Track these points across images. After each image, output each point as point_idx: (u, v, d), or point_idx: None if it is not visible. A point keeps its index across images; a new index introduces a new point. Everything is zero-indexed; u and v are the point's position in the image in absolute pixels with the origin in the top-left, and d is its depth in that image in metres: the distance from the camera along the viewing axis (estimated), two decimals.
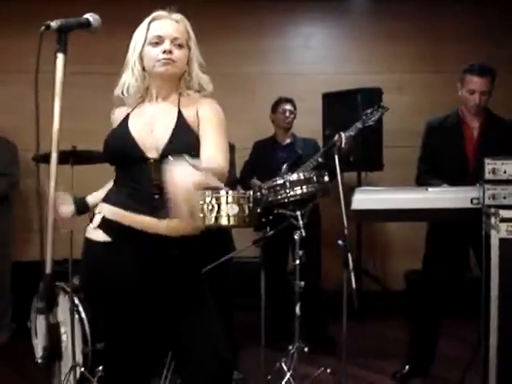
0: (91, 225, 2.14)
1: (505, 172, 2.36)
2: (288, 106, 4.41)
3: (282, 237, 3.28)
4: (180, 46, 2.11)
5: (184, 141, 2.06)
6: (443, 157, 3.40)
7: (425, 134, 3.56)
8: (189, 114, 2.11)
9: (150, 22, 2.11)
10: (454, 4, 5.32)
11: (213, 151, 2.08)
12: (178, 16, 2.16)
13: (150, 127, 2.09)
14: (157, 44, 2.08)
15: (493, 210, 2.31)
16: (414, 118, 4.56)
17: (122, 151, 2.09)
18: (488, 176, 2.38)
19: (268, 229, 3.37)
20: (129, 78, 2.12)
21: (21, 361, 3.83)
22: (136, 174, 2.09)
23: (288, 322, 4.26)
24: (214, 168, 1.98)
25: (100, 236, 2.09)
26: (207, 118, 2.12)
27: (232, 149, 4.07)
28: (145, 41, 2.09)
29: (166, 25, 2.11)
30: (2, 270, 4.42)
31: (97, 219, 2.13)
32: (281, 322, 4.34)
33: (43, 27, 1.54)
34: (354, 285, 2.88)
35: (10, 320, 4.43)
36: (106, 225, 2.09)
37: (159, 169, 1.93)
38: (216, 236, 3.61)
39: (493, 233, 2.30)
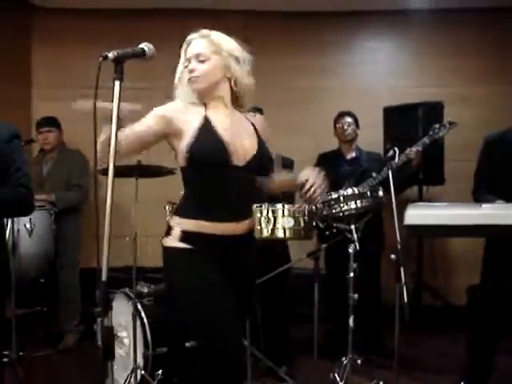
0: (170, 237, 2.27)
1: None
2: (347, 119, 4.45)
3: (343, 250, 3.35)
4: (203, 61, 2.24)
5: (266, 154, 2.32)
6: (502, 173, 3.36)
7: (483, 149, 3.52)
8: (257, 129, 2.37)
9: (184, 49, 2.30)
10: None
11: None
12: (204, 32, 2.28)
13: (239, 137, 2.26)
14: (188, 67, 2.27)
15: None
16: (478, 132, 4.47)
17: (214, 157, 2.21)
18: None
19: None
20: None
21: (88, 362, 4.01)
22: (221, 181, 2.22)
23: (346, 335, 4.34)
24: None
25: (182, 244, 2.24)
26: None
27: (292, 164, 4.20)
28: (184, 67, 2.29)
29: (191, 46, 2.28)
30: (72, 276, 4.65)
31: (176, 233, 2.26)
32: (339, 335, 4.37)
33: (101, 58, 1.69)
34: (405, 299, 2.92)
35: (79, 323, 4.65)
36: (187, 237, 2.24)
37: (245, 176, 2.22)
38: (274, 248, 3.76)
39: None
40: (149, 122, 2.20)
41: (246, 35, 5.34)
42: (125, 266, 3.77)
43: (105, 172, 3.71)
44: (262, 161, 2.30)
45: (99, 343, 3.85)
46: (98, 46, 5.09)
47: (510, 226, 2.61)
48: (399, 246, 2.97)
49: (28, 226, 4.11)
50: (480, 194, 3.38)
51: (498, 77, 5.22)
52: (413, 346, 4.56)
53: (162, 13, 5.26)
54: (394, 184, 4.16)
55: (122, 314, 3.63)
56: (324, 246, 3.25)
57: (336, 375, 3.33)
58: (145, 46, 1.85)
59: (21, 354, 4.01)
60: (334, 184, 3.71)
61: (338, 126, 4.49)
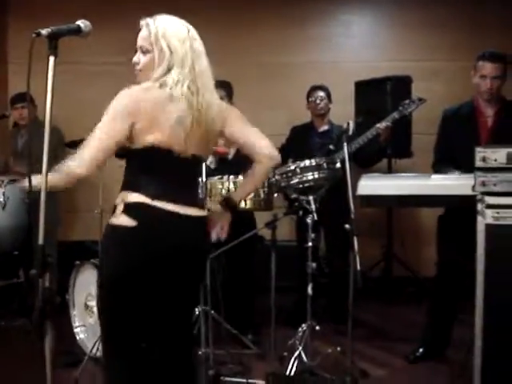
0: None
1: (495, 160, 2.42)
2: (320, 93, 4.51)
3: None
4: (145, 53, 2.20)
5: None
6: (458, 145, 3.45)
7: (440, 123, 3.63)
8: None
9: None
10: None
11: None
12: (146, 21, 2.22)
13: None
14: None
15: (479, 197, 2.40)
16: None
17: None
18: (479, 164, 2.45)
19: (300, 213, 3.54)
20: None
21: (62, 331, 4.10)
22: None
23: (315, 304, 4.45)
24: None
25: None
26: None
27: None
28: None
29: (139, 35, 2.22)
30: (48, 249, 4.73)
31: None
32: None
33: (34, 34, 1.75)
34: (358, 266, 3.02)
35: (56, 294, 4.74)
36: None
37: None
38: (239, 218, 3.84)
39: (479, 219, 2.39)
40: None
41: (218, 13, 5.47)
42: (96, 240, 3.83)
43: (71, 145, 3.79)
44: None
45: (72, 312, 4.00)
46: (72, 20, 5.18)
47: (455, 196, 2.71)
48: (352, 216, 3.06)
49: (1, 199, 4.18)
50: (439, 166, 3.47)
51: (468, 53, 5.18)
52: (379, 316, 4.70)
53: None
54: (363, 157, 4.29)
55: (91, 284, 3.72)
56: (281, 215, 3.32)
57: (296, 341, 3.45)
58: (81, 22, 1.91)
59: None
60: (306, 156, 3.79)
61: (310, 99, 4.56)
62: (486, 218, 2.38)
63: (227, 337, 3.78)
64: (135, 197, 2.13)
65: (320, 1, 5.57)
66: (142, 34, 2.22)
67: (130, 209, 2.12)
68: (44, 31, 1.76)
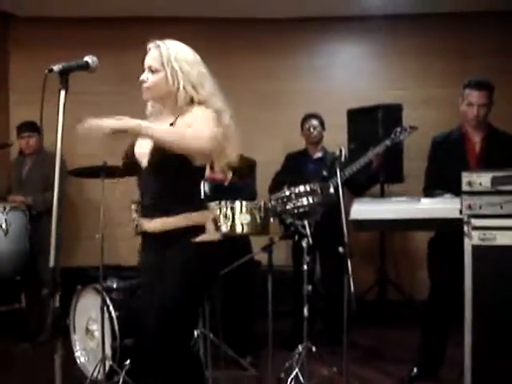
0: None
1: (480, 184, 2.55)
2: (313, 122, 4.66)
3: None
4: (153, 72, 2.39)
5: (161, 154, 2.29)
6: (448, 170, 3.56)
7: (431, 149, 3.75)
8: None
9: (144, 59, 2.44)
10: (480, 20, 5.47)
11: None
12: (158, 42, 2.42)
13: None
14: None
15: (466, 219, 2.52)
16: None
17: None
18: (465, 188, 2.58)
19: (296, 237, 3.64)
20: None
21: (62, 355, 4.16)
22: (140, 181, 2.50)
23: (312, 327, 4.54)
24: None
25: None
26: (193, 117, 2.33)
27: (254, 164, 4.40)
28: None
29: (147, 56, 2.43)
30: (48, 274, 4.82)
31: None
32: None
33: (47, 70, 1.90)
34: (352, 288, 3.12)
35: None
36: None
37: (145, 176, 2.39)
38: (236, 243, 3.96)
39: (466, 240, 2.50)
40: None
41: (212, 40, 5.63)
42: (96, 266, 3.89)
43: (73, 172, 3.90)
44: (156, 160, 2.34)
45: (73, 337, 4.07)
46: (71, 52, 5.29)
47: (443, 219, 2.83)
48: (346, 240, 3.17)
49: (4, 226, 4.28)
50: (430, 190, 3.59)
51: (459, 79, 5.38)
52: (375, 339, 4.78)
53: (137, 20, 5.44)
54: (355, 184, 4.42)
55: (93, 308, 3.80)
56: (276, 239, 3.43)
57: (294, 363, 3.53)
58: (89, 58, 2.05)
59: None
60: (301, 182, 3.90)
61: (304, 127, 4.70)
62: (472, 239, 2.50)
63: (226, 360, 3.85)
64: (211, 213, 2.53)
65: (310, 31, 5.75)
66: (153, 54, 2.40)
67: (216, 224, 2.47)
68: (56, 67, 1.90)
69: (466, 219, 2.54)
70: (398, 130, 4.24)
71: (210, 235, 2.39)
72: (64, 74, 1.92)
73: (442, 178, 3.60)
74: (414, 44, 5.65)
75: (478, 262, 2.50)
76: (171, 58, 2.38)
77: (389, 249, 5.34)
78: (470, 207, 2.55)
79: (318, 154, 4.67)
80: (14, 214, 4.31)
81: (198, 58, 2.48)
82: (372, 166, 4.28)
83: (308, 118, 4.69)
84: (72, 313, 4.05)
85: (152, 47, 2.44)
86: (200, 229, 2.36)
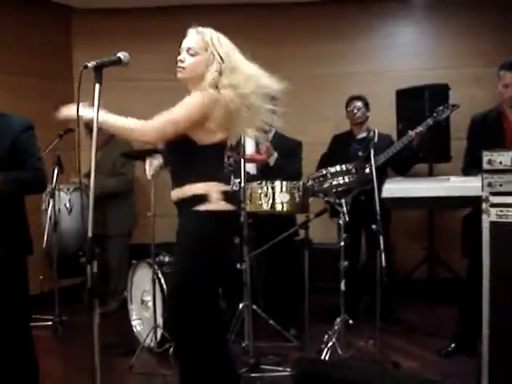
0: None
1: (500, 163, 2.62)
2: (357, 103, 4.77)
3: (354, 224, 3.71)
4: (192, 55, 2.60)
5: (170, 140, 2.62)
6: (485, 149, 3.62)
7: (469, 128, 3.81)
8: None
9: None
10: None
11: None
12: (201, 29, 2.63)
13: None
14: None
15: (485, 196, 2.60)
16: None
17: None
18: (485, 166, 2.66)
19: (342, 215, 3.80)
20: None
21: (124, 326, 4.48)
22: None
23: (358, 302, 4.69)
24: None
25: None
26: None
27: (299, 146, 4.57)
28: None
29: (186, 39, 2.65)
30: (119, 253, 5.18)
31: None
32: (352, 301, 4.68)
33: (82, 67, 2.13)
34: (384, 263, 3.26)
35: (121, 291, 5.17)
36: None
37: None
38: (280, 220, 4.16)
39: (484, 217, 2.59)
40: None
41: (262, 26, 5.79)
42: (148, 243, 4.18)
43: (125, 155, 4.18)
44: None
45: (129, 306, 4.40)
46: (132, 41, 5.68)
47: (470, 197, 2.91)
48: (378, 217, 3.30)
49: (68, 205, 4.65)
50: (468, 169, 3.66)
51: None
52: (420, 315, 4.87)
53: (188, 9, 5.66)
54: (397, 163, 4.51)
55: (146, 281, 4.10)
56: (312, 217, 3.61)
57: (332, 334, 3.71)
58: (121, 54, 2.28)
59: (63, 318, 4.60)
60: (346, 161, 4.05)
61: (348, 109, 4.82)
62: (490, 216, 2.59)
63: (270, 331, 4.07)
64: (223, 186, 2.61)
65: (365, 14, 5.81)
66: (193, 38, 2.62)
67: (227, 196, 2.60)
68: (90, 64, 2.14)
69: (485, 196, 2.63)
70: (440, 108, 4.32)
71: (213, 205, 2.54)
72: (98, 69, 2.15)
73: (479, 156, 3.65)
74: (464, 25, 5.62)
75: (496, 238, 2.59)
76: (211, 43, 2.59)
77: (437, 227, 5.39)
78: (490, 185, 2.63)
79: (363, 134, 4.77)
80: (77, 195, 4.66)
81: (233, 46, 2.67)
82: (413, 144, 4.37)
83: (352, 99, 4.80)
84: (129, 285, 4.38)
85: (193, 32, 2.64)
86: (203, 198, 2.54)
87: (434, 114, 4.33)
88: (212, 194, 2.56)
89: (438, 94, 4.95)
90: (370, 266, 4.61)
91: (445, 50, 5.74)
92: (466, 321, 3.82)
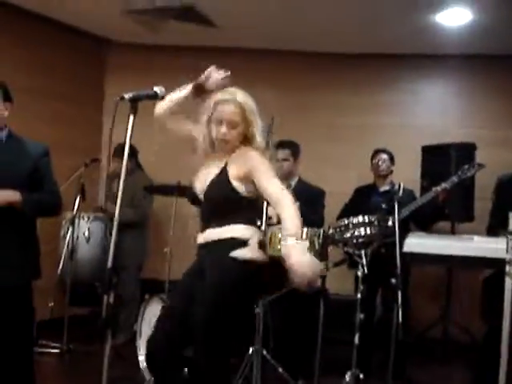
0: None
1: None
2: (383, 156, 4.78)
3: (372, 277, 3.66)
4: (234, 127, 2.63)
5: (216, 189, 2.65)
6: None
7: (496, 188, 3.77)
8: (233, 167, 2.63)
9: (216, 103, 2.65)
10: None
11: (279, 196, 2.51)
12: (235, 97, 2.63)
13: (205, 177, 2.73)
14: (218, 124, 2.63)
15: (508, 259, 2.56)
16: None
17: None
18: (511, 228, 2.63)
19: (361, 267, 3.77)
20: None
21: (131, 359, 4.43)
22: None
23: (370, 356, 4.59)
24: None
25: None
26: (255, 168, 2.59)
27: (322, 194, 4.57)
28: (210, 117, 2.66)
29: (225, 109, 2.62)
30: (131, 286, 5.18)
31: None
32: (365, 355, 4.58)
33: (118, 98, 2.16)
34: (400, 319, 3.20)
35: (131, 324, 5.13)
36: None
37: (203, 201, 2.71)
38: None
39: (507, 279, 2.55)
40: None
41: (290, 74, 5.85)
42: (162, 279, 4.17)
43: (148, 189, 4.19)
44: (210, 193, 2.68)
45: (138, 342, 4.35)
46: (164, 78, 5.73)
47: (493, 259, 2.87)
48: (398, 271, 3.26)
49: (86, 234, 4.66)
50: (492, 230, 3.61)
51: None
52: (432, 376, 4.75)
53: (219, 50, 5.72)
54: (420, 218, 4.48)
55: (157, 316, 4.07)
56: (330, 265, 3.57)
57: None
58: (157, 88, 2.31)
59: (70, 346, 4.57)
60: (367, 213, 4.02)
61: (373, 161, 4.84)
62: None
63: (278, 379, 3.98)
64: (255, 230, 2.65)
65: (391, 68, 5.88)
66: (231, 109, 2.62)
67: (262, 246, 2.61)
68: (127, 96, 2.17)
69: (509, 259, 2.58)
70: (466, 167, 4.31)
71: (250, 252, 2.56)
72: (134, 101, 2.18)
73: (505, 217, 3.61)
74: (491, 85, 5.65)
75: None
76: (248, 112, 2.63)
77: (455, 287, 5.30)
78: None
79: (386, 187, 4.76)
80: (96, 224, 4.67)
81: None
82: (438, 200, 4.34)
83: (377, 152, 4.82)
84: (140, 319, 4.34)
85: (228, 99, 2.63)
86: (242, 242, 2.55)
87: (460, 173, 4.32)
88: (252, 240, 2.59)
89: (464, 152, 4.94)
90: (386, 320, 4.55)
91: (469, 110, 5.77)
92: None
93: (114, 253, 2.11)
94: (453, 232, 5.08)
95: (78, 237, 4.64)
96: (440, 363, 5.17)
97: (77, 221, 4.61)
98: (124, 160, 2.15)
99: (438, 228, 5.02)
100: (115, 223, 2.12)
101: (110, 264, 2.09)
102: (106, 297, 2.06)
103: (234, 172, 2.62)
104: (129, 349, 4.80)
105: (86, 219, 4.70)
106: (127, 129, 2.17)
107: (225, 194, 2.61)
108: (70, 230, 4.54)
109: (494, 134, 5.53)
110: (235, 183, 2.61)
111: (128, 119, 2.19)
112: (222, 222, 2.61)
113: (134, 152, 5.25)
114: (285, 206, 2.44)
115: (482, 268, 3.24)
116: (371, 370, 4.43)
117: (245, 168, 2.59)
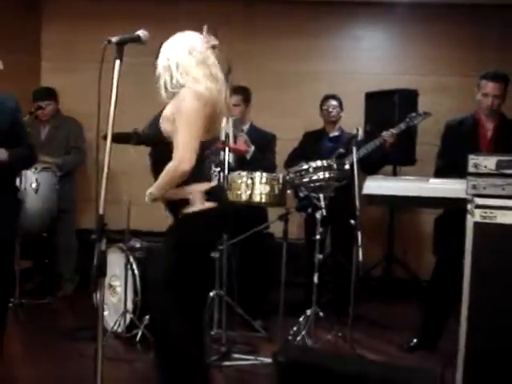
0: None
1: (485, 167, 2.76)
2: (332, 102, 4.88)
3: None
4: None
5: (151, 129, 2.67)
6: (460, 154, 3.75)
7: (443, 133, 3.96)
8: (167, 109, 2.58)
9: None
10: (497, 12, 5.59)
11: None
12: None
13: None
14: None
15: (470, 198, 2.73)
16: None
17: None
18: (471, 169, 2.79)
19: (310, 209, 3.88)
20: None
21: (83, 309, 4.44)
22: None
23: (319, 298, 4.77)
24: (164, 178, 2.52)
25: None
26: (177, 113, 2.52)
27: (273, 139, 4.63)
28: None
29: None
30: (68, 235, 5.13)
31: None
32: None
33: (106, 42, 2.12)
34: (360, 257, 3.36)
35: (74, 273, 5.11)
36: None
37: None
38: (253, 213, 4.20)
39: (469, 217, 2.72)
40: None
41: (236, 22, 5.80)
42: (122, 229, 4.14)
43: (105, 137, 4.12)
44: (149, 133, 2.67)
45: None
46: (100, 25, 5.57)
47: (450, 199, 3.04)
48: (358, 213, 3.40)
49: (34, 185, 4.53)
50: (441, 174, 3.80)
51: (474, 69, 5.56)
52: (379, 312, 5.01)
53: None
54: (368, 163, 4.63)
55: (116, 266, 4.07)
56: (292, 209, 3.68)
57: (301, 326, 3.78)
58: (141, 33, 2.27)
59: (23, 301, 4.49)
60: (318, 158, 4.11)
61: (323, 107, 4.92)
62: (474, 216, 2.72)
63: (238, 320, 4.10)
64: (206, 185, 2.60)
65: (334, 16, 5.91)
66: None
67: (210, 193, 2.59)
68: (113, 39, 2.13)
69: (470, 198, 2.75)
70: (413, 114, 4.48)
71: (195, 207, 2.56)
72: (120, 45, 2.15)
73: (452, 160, 3.80)
74: (433, 33, 5.78)
75: (479, 238, 2.71)
76: (165, 53, 2.63)
77: (397, 228, 5.55)
78: (474, 187, 2.76)
79: (335, 133, 4.88)
80: (44, 174, 4.55)
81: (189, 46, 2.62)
82: (385, 146, 4.50)
83: (327, 98, 4.90)
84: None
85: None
86: (187, 201, 2.56)
87: (407, 120, 4.48)
88: (193, 196, 2.56)
89: (407, 99, 5.11)
90: (339, 261, 4.73)
91: (411, 57, 5.90)
92: (431, 320, 3.96)
93: (103, 200, 2.09)
94: (394, 174, 5.28)
95: (25, 188, 4.51)
96: (383, 300, 5.44)
97: (24, 172, 4.46)
98: (111, 108, 2.13)
99: (381, 171, 5.19)
100: (105, 172, 2.09)
101: (100, 211, 2.08)
102: (97, 244, 2.05)
103: (167, 111, 2.57)
104: (79, 298, 4.83)
105: (33, 170, 4.55)
106: (113, 73, 2.13)
107: (154, 135, 2.60)
108: (18, 181, 4.39)
109: (435, 81, 5.71)
110: (164, 125, 2.56)
111: (114, 63, 2.15)
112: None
113: (54, 95, 5.18)
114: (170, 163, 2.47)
115: (441, 208, 3.43)
116: (320, 308, 4.62)
117: (174, 107, 2.54)
